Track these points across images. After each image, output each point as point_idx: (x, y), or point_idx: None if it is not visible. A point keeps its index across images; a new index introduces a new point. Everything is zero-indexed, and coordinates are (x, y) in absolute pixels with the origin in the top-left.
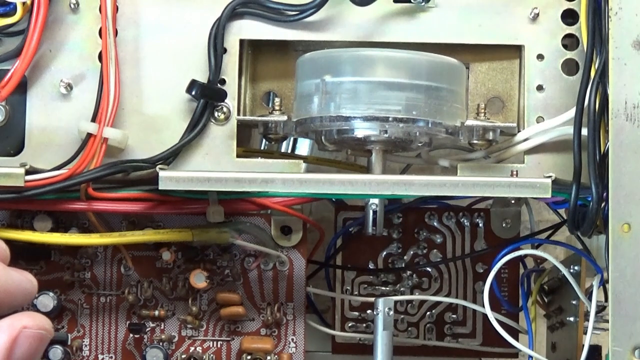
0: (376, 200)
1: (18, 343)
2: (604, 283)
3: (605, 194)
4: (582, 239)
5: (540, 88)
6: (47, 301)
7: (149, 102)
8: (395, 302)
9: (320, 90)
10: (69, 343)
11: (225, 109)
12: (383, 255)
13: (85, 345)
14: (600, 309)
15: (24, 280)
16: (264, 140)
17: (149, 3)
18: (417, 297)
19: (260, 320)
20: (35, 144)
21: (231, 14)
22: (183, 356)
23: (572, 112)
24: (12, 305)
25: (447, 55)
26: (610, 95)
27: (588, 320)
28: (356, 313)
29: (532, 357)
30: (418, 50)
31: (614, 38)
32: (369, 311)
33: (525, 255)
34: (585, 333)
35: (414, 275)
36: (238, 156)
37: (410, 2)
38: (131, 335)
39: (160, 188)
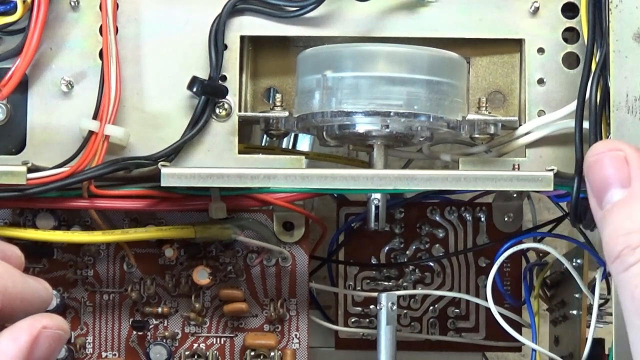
0: (378, 195)
1: (38, 343)
2: (606, 276)
3: None
4: (585, 232)
5: (541, 82)
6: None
7: (150, 99)
8: (398, 297)
9: (321, 85)
10: (73, 341)
11: (226, 106)
12: (385, 250)
13: (89, 343)
14: (603, 302)
15: (40, 288)
16: (264, 137)
17: (149, 0)
18: (420, 291)
19: (264, 317)
20: (36, 142)
21: (232, 11)
22: (187, 353)
23: (573, 106)
24: (28, 313)
25: (448, 50)
26: (611, 88)
27: (591, 314)
28: (359, 308)
29: (535, 350)
30: (419, 45)
31: (615, 31)
32: (372, 306)
33: (528, 249)
34: (589, 326)
35: (417, 270)
36: (239, 152)
37: None
38: (134, 332)
39: (162, 185)
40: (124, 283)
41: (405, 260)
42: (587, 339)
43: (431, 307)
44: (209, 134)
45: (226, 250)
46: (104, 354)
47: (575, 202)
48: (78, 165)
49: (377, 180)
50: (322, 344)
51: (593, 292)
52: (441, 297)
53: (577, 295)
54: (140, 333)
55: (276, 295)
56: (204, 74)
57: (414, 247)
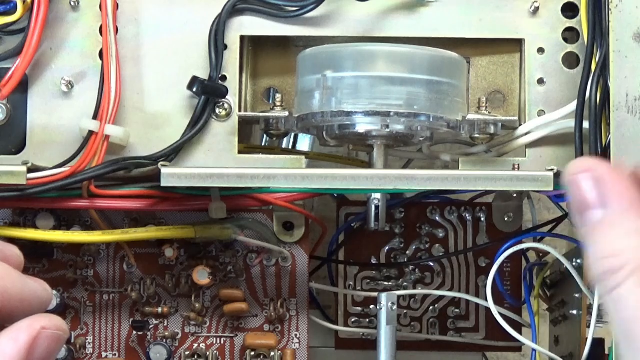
0: (378, 195)
1: (37, 343)
2: None
3: None
4: None
5: (541, 81)
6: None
7: (150, 99)
8: (398, 296)
9: (321, 85)
10: (73, 341)
11: (226, 106)
12: (385, 250)
13: (89, 343)
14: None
15: (39, 288)
16: (264, 137)
17: (149, 0)
18: (420, 291)
19: (264, 316)
20: (36, 142)
21: (232, 10)
22: (187, 353)
23: (573, 105)
24: (27, 313)
25: (448, 50)
26: (611, 88)
27: (591, 314)
28: (359, 308)
29: (535, 350)
30: (419, 45)
31: (615, 31)
32: (372, 306)
33: (528, 249)
34: (589, 326)
35: (417, 270)
36: (239, 152)
37: None
38: (134, 332)
39: (162, 185)
40: (124, 283)
41: (405, 260)
42: (587, 339)
43: (431, 307)
44: (209, 134)
45: (226, 250)
46: (104, 354)
47: None
48: (78, 165)
49: (377, 180)
50: (322, 344)
51: (593, 292)
52: (441, 297)
53: (577, 295)
54: (140, 333)
55: (276, 295)
56: (204, 74)
57: (414, 247)
